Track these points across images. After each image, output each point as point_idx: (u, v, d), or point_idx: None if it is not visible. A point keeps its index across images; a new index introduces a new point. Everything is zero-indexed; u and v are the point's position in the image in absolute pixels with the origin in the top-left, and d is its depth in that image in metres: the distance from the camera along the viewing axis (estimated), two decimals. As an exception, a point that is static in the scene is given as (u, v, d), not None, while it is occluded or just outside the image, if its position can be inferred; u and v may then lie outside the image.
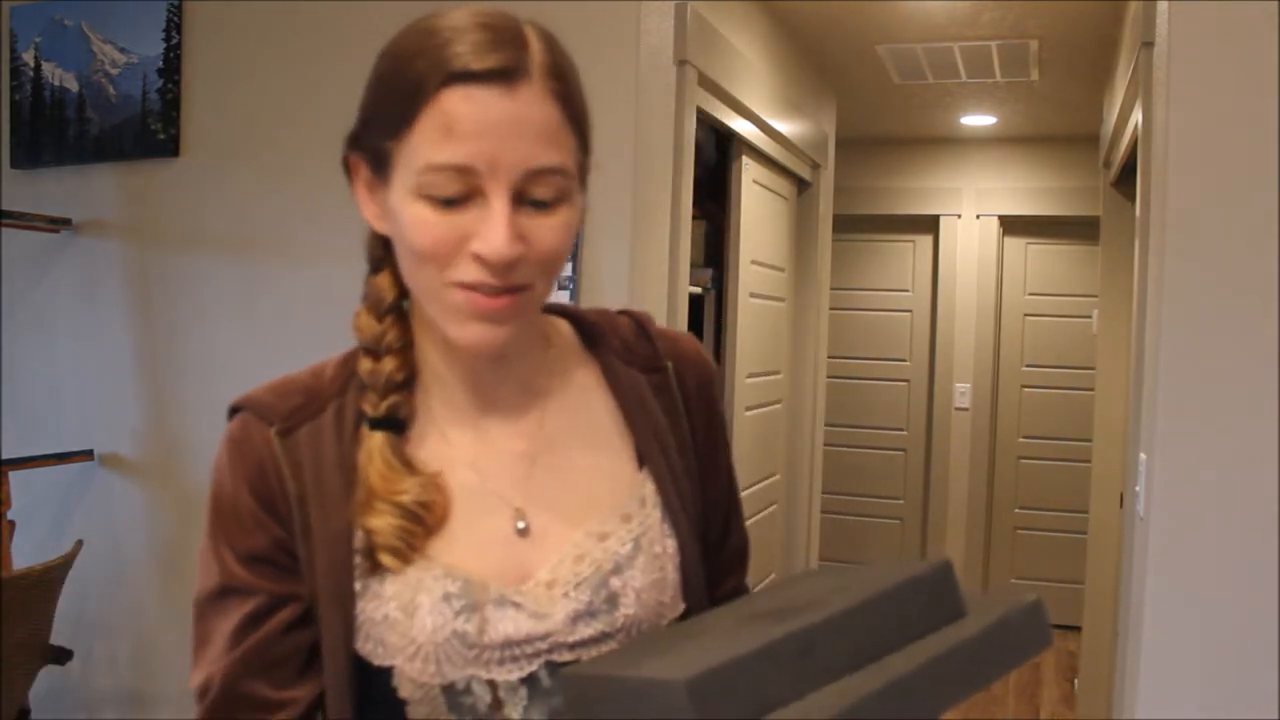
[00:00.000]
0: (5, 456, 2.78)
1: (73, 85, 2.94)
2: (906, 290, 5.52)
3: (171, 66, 2.82)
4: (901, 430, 5.54)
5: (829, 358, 4.32)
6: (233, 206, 2.79)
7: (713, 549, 1.00)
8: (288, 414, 0.89)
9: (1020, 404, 5.40)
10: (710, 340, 3.33)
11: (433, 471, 0.87)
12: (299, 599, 0.86)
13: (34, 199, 2.96)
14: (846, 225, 5.03)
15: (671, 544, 0.91)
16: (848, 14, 3.38)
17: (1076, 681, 3.94)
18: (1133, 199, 2.58)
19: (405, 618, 0.84)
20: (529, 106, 0.79)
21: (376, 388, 0.89)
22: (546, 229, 0.82)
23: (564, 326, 0.99)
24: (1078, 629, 3.80)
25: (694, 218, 2.85)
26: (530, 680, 0.85)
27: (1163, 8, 1.98)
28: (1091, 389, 3.81)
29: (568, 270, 2.35)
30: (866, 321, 5.55)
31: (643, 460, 0.93)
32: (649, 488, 0.92)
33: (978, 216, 5.29)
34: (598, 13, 2.36)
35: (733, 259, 3.28)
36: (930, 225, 5.40)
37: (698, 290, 3.19)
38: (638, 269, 2.37)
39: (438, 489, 0.87)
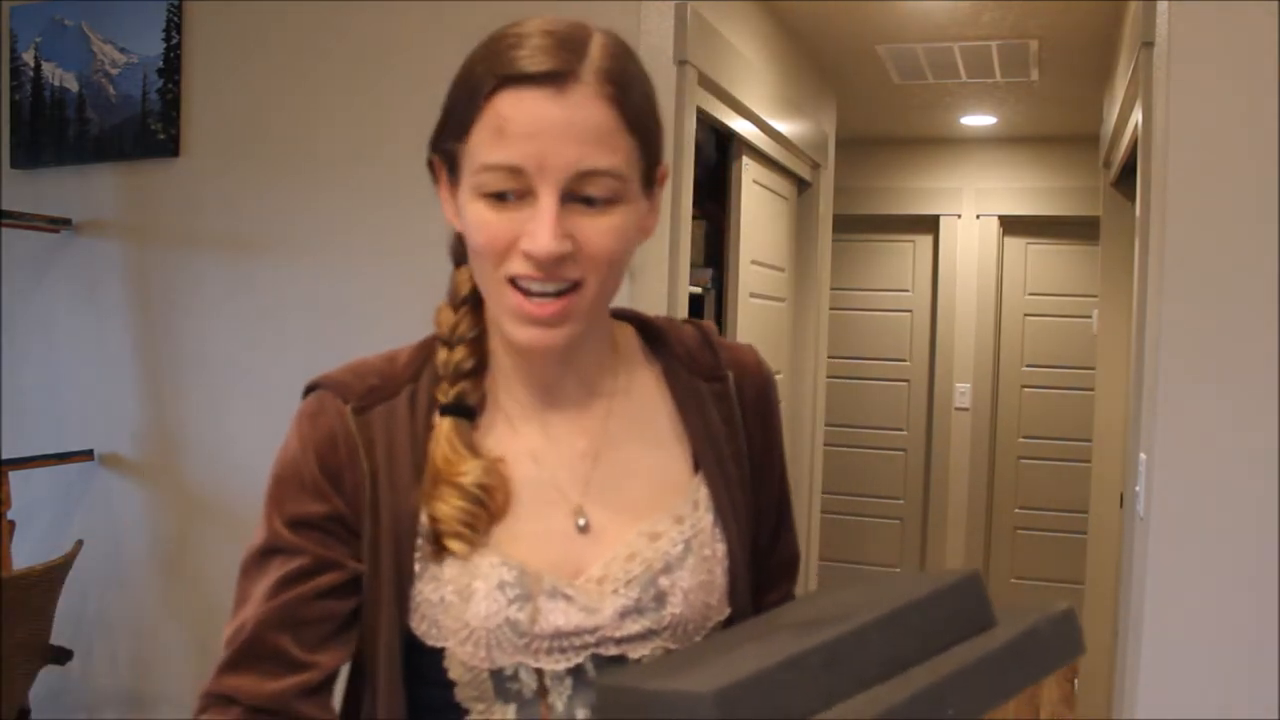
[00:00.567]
0: (5, 456, 2.78)
1: (73, 85, 2.94)
2: (906, 290, 5.52)
3: (171, 66, 2.82)
4: (901, 430, 5.54)
5: (829, 358, 4.32)
6: (232, 206, 2.79)
7: (761, 557, 1.02)
8: (363, 393, 0.92)
9: (1020, 404, 5.40)
10: (710, 340, 3.32)
11: (495, 457, 0.90)
12: (342, 568, 0.89)
13: (34, 199, 2.96)
14: (846, 225, 5.03)
15: (721, 548, 0.94)
16: (848, 14, 3.38)
17: (1076, 681, 3.94)
18: (1133, 199, 2.58)
19: (461, 602, 0.87)
20: (578, 109, 0.82)
21: (447, 376, 0.92)
22: (597, 229, 0.84)
23: (629, 331, 1.01)
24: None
25: (694, 218, 2.85)
26: (576, 671, 0.88)
27: (1163, 8, 1.98)
28: (1091, 389, 3.81)
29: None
30: (866, 321, 5.55)
31: (698, 464, 0.96)
32: (703, 491, 0.95)
33: (978, 216, 5.29)
34: (597, 13, 2.35)
35: (733, 259, 3.28)
36: (930, 225, 5.40)
37: (698, 290, 3.19)
38: (638, 269, 2.37)
39: (498, 474, 0.90)
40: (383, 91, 2.60)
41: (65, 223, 2.94)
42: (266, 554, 0.89)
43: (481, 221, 0.85)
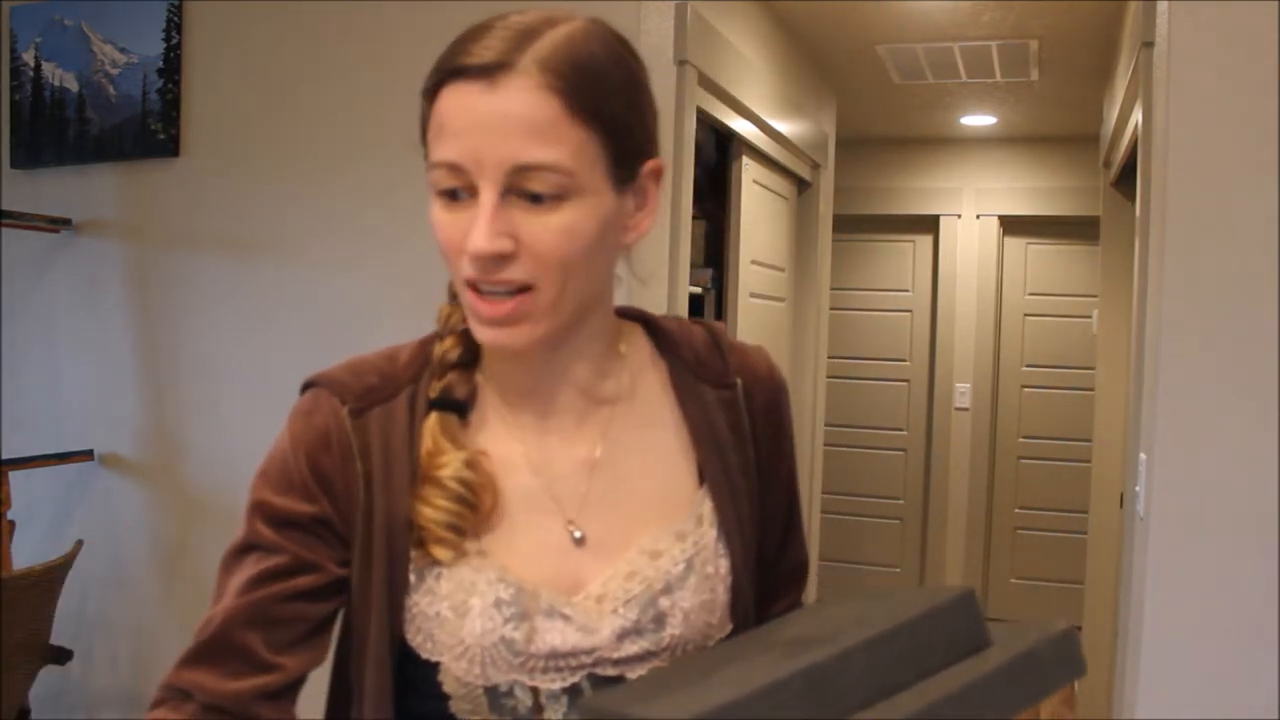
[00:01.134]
0: (5, 456, 2.78)
1: (73, 85, 2.94)
2: (906, 290, 5.52)
3: (171, 66, 2.82)
4: (901, 430, 5.53)
5: (829, 358, 4.32)
6: (232, 207, 2.79)
7: (768, 565, 0.99)
8: (361, 394, 0.89)
9: (1020, 404, 5.40)
10: (710, 340, 3.33)
11: (477, 449, 0.87)
12: (322, 570, 0.86)
13: (34, 199, 2.96)
14: (846, 225, 5.03)
15: (724, 564, 0.91)
16: (848, 14, 3.38)
17: (1076, 682, 3.94)
18: (1133, 199, 2.57)
19: (456, 618, 0.84)
20: (512, 101, 0.78)
21: (436, 369, 0.90)
22: (542, 228, 0.80)
23: (638, 332, 0.97)
24: (1078, 629, 3.79)
25: (694, 218, 2.85)
26: (572, 690, 0.85)
27: (1163, 8, 1.97)
28: (1091, 389, 3.81)
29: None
30: (866, 321, 5.55)
31: (703, 476, 0.92)
32: (707, 505, 0.92)
33: (978, 216, 5.29)
34: (597, 13, 2.36)
35: (733, 259, 3.28)
36: (930, 225, 5.40)
37: (698, 290, 3.19)
38: (638, 269, 2.37)
39: (481, 468, 0.86)
40: (383, 91, 2.60)
41: (65, 223, 2.94)
42: (245, 550, 0.86)
43: (436, 222, 0.83)
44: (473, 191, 0.80)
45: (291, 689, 0.86)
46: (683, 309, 2.60)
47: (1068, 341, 5.27)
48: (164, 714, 0.83)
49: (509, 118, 0.78)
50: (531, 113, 0.78)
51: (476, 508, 0.86)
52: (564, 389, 0.91)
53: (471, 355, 0.91)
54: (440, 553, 0.85)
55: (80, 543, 2.61)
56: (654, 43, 2.42)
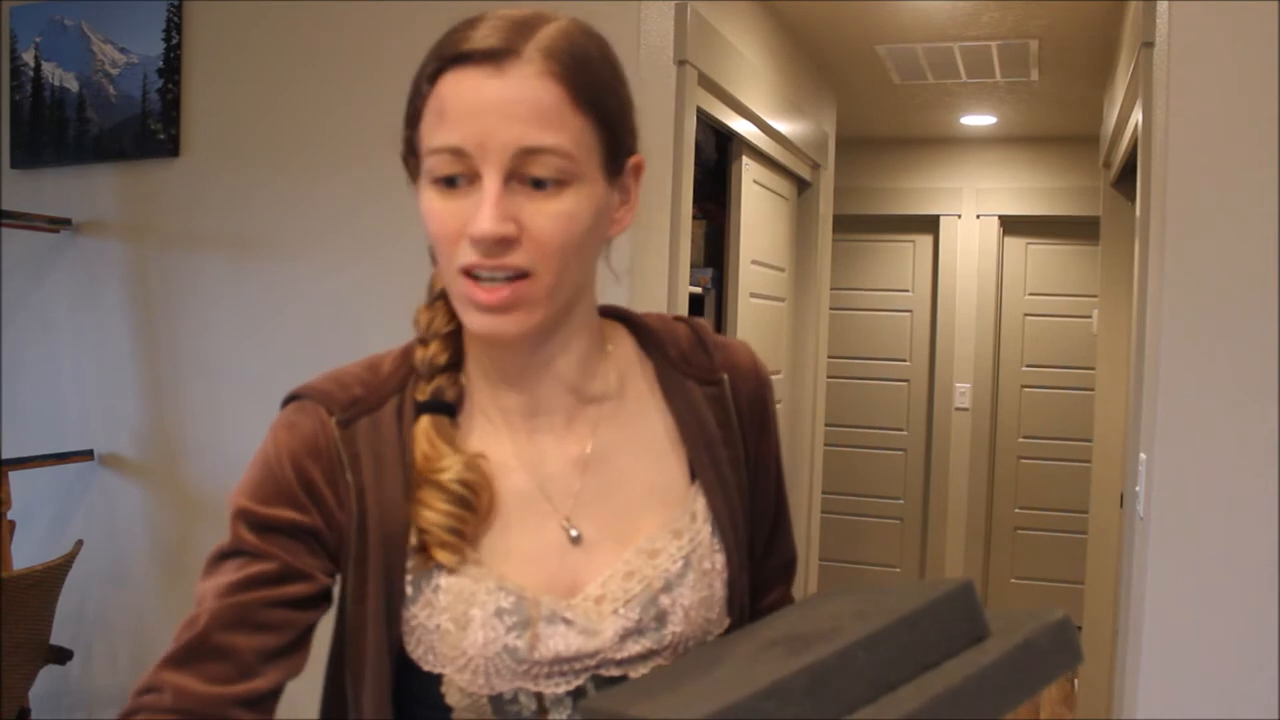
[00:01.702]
0: (5, 456, 2.78)
1: (73, 85, 2.94)
2: (906, 290, 5.52)
3: (171, 66, 2.82)
4: (901, 430, 5.53)
5: (829, 358, 4.32)
6: (232, 207, 2.79)
7: (758, 561, 0.99)
8: (347, 404, 0.88)
9: (1020, 404, 5.40)
10: (710, 340, 3.32)
11: (475, 452, 0.87)
12: (311, 579, 0.85)
13: (34, 199, 2.96)
14: (846, 225, 5.03)
15: (720, 559, 0.91)
16: (848, 14, 3.38)
17: (1076, 681, 3.94)
18: (1133, 199, 2.57)
19: (457, 630, 0.84)
20: (518, 86, 0.79)
21: (424, 373, 0.89)
22: (543, 213, 0.80)
23: (622, 331, 0.98)
24: (1078, 629, 3.79)
25: (694, 218, 2.85)
26: (576, 693, 0.85)
27: (1163, 8, 1.97)
28: (1091, 389, 3.81)
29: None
30: (866, 321, 5.55)
31: (694, 472, 0.93)
32: (700, 502, 0.92)
33: (978, 216, 5.29)
34: (597, 13, 2.35)
35: (733, 259, 3.28)
36: (930, 225, 5.40)
37: (698, 290, 3.19)
38: (638, 269, 2.37)
39: (480, 470, 0.86)
40: (383, 91, 2.60)
41: (65, 223, 2.94)
42: (229, 555, 0.85)
43: (431, 210, 0.82)
44: (471, 178, 0.80)
45: (273, 697, 0.83)
46: (683, 309, 2.60)
47: (1068, 341, 5.27)
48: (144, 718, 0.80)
49: (515, 102, 0.79)
50: (538, 98, 0.79)
51: (475, 508, 0.85)
52: (552, 386, 0.91)
53: (457, 358, 0.91)
54: (444, 556, 0.84)
55: (80, 543, 2.61)
56: (654, 43, 2.42)
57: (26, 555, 2.80)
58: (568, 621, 0.85)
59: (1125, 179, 3.32)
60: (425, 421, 0.87)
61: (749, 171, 3.31)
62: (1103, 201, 3.77)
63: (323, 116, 2.69)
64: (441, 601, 0.84)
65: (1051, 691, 4.58)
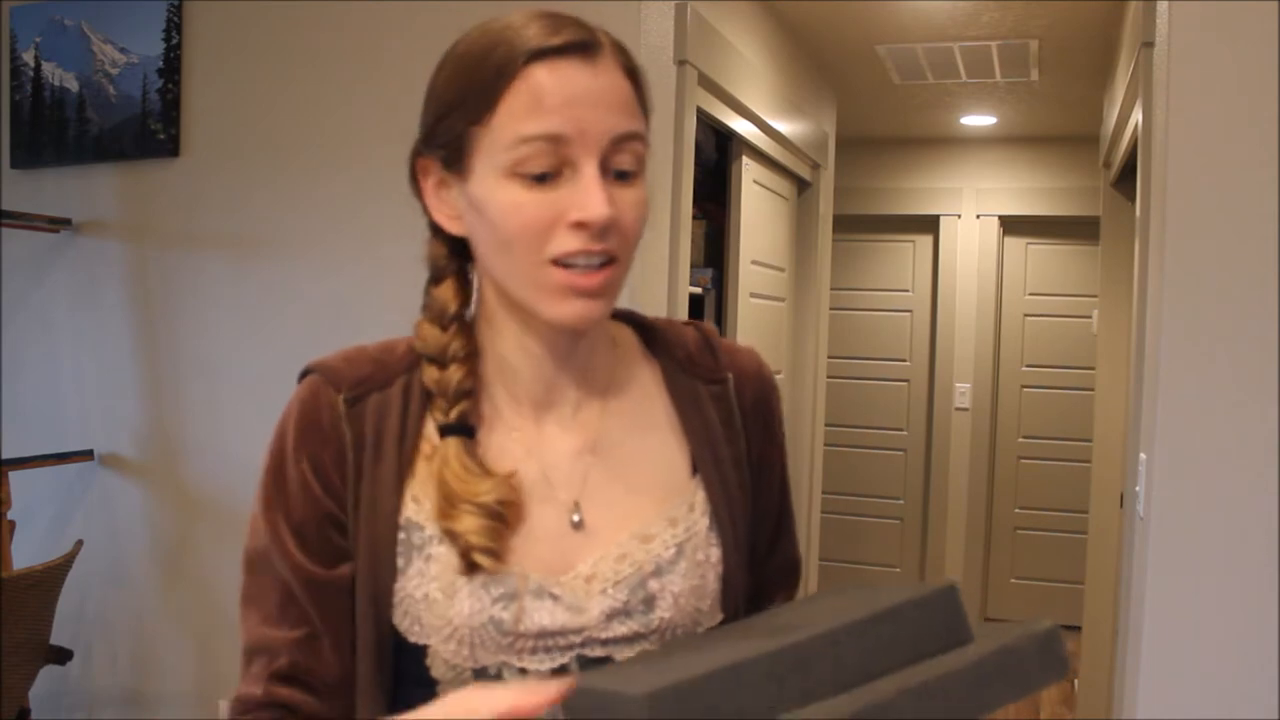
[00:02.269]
0: (5, 456, 2.78)
1: (73, 85, 2.94)
2: (906, 290, 5.52)
3: (171, 66, 2.82)
4: (901, 430, 5.53)
5: (829, 358, 4.32)
6: (232, 206, 2.79)
7: (760, 563, 1.00)
8: (356, 382, 0.90)
9: (1020, 404, 5.40)
10: (710, 340, 3.32)
11: (507, 472, 0.88)
12: (350, 560, 0.89)
13: (34, 199, 2.96)
14: (846, 225, 5.03)
15: (716, 553, 0.92)
16: (848, 14, 3.38)
17: (1076, 681, 3.94)
18: (1133, 199, 2.57)
19: (445, 599, 0.85)
20: (607, 76, 0.84)
21: (446, 395, 0.90)
22: (629, 202, 0.85)
23: (627, 331, 0.99)
24: (1078, 629, 3.80)
25: (694, 218, 2.85)
26: (560, 671, 0.86)
27: (1163, 8, 1.98)
28: (1091, 389, 3.81)
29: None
30: (866, 321, 5.55)
31: (696, 466, 0.94)
32: (700, 495, 0.93)
33: (978, 216, 5.29)
34: (598, 13, 2.35)
35: (733, 259, 3.28)
36: (930, 225, 5.40)
37: (698, 290, 3.19)
38: (638, 269, 2.37)
39: (513, 489, 0.88)
40: (382, 91, 2.60)
41: (65, 223, 2.94)
42: (284, 603, 0.89)
43: (515, 204, 0.82)
44: (559, 170, 0.82)
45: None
46: (683, 309, 2.60)
47: (1068, 341, 5.27)
48: None
49: (609, 90, 0.84)
50: (623, 88, 0.85)
51: (509, 523, 0.87)
52: (566, 380, 0.93)
53: (477, 381, 0.92)
54: (486, 561, 0.86)
55: (80, 543, 2.61)
56: (654, 43, 2.42)
57: (26, 555, 2.80)
58: (554, 597, 0.86)
59: (1125, 179, 3.32)
60: (454, 445, 0.88)
61: (749, 171, 3.31)
62: (1103, 201, 3.77)
63: (323, 116, 2.69)
64: (433, 570, 0.86)
65: (1051, 692, 4.58)
